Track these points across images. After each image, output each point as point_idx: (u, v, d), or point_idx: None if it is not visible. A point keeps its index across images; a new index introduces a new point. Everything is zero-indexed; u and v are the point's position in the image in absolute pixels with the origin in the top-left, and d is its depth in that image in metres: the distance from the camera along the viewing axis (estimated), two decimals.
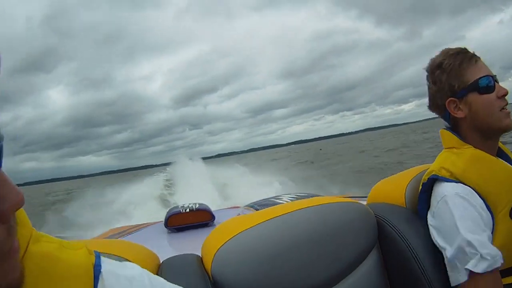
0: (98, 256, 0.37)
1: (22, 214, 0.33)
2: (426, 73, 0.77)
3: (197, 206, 1.63)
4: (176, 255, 0.69)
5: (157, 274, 0.57)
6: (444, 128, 0.77)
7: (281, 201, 1.36)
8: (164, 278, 0.50)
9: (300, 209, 0.69)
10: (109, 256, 0.50)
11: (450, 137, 0.75)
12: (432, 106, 0.79)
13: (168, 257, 0.69)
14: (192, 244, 1.39)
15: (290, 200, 1.33)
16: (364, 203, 0.84)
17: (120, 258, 0.54)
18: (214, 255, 0.61)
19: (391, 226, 0.74)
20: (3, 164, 0.26)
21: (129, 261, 0.51)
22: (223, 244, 0.61)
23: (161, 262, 0.67)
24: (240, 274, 0.60)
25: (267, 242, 0.63)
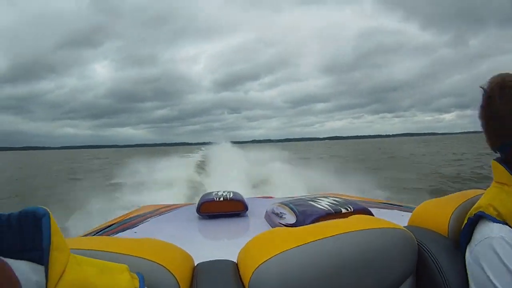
0: (141, 279, 0.38)
1: (58, 237, 0.32)
2: (483, 90, 0.69)
3: (231, 195, 1.63)
4: (212, 260, 0.71)
5: (192, 278, 0.63)
6: (495, 159, 0.71)
7: (318, 205, 1.29)
8: (199, 284, 0.61)
9: (348, 232, 0.69)
10: (143, 260, 0.57)
11: (502, 171, 0.69)
12: (496, 130, 0.68)
13: (201, 251, 0.75)
14: (224, 233, 1.53)
15: (329, 205, 1.26)
16: (405, 214, 0.85)
17: (154, 263, 0.58)
18: (255, 270, 0.61)
19: (431, 255, 0.73)
20: None
21: (164, 266, 0.57)
22: (266, 260, 0.61)
23: (195, 264, 0.69)
24: None
25: (311, 264, 0.63)
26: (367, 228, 0.72)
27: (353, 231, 0.70)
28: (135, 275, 0.37)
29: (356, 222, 0.74)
